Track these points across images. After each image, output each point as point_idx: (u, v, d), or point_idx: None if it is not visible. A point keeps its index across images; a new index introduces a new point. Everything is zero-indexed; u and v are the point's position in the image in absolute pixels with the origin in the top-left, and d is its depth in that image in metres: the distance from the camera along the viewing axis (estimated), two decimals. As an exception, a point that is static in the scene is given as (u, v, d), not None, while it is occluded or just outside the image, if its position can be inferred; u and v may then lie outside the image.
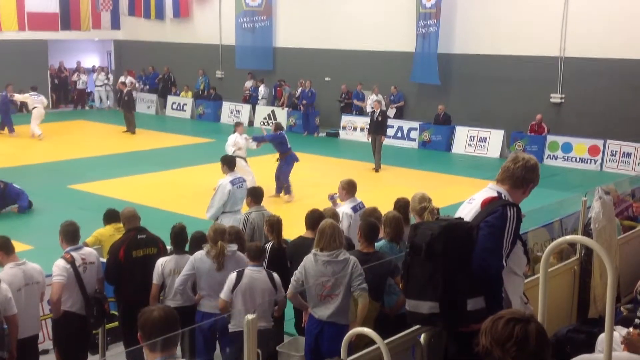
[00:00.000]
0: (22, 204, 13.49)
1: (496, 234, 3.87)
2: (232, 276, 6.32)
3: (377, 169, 17.82)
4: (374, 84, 22.79)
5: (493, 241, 3.86)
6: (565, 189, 15.40)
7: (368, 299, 5.61)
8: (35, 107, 21.92)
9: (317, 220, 6.53)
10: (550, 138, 19.67)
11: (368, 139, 18.49)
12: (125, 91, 23.45)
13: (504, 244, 3.87)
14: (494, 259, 3.84)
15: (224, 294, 6.27)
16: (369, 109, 23.03)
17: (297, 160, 14.68)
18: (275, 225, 7.21)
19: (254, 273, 6.32)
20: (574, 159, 19.24)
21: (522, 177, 4.03)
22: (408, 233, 4.44)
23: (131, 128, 23.07)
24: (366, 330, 3.66)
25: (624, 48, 18.36)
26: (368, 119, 22.71)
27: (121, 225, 7.85)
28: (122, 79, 28.59)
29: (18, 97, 22.65)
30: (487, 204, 4.00)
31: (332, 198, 9.09)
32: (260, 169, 15.15)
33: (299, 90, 23.71)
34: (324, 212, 7.10)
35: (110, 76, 29.60)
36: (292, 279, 6.02)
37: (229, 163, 9.95)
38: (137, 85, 28.36)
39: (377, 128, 17.90)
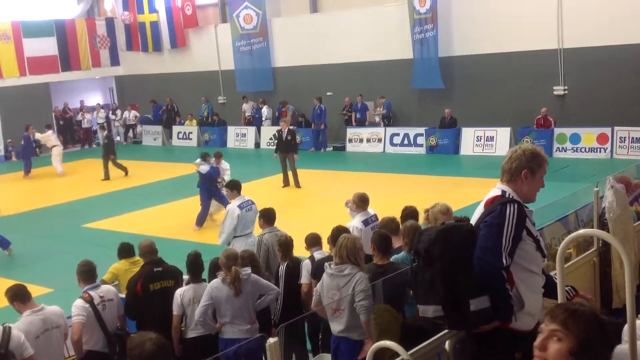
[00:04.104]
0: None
1: (493, 233, 3.86)
2: (307, 262, 7.05)
3: (297, 185, 17.55)
4: (377, 95, 22.90)
5: (490, 240, 3.86)
6: (577, 180, 15.31)
7: (370, 316, 5.55)
8: (55, 146, 22.60)
9: (336, 236, 6.48)
10: (558, 130, 19.59)
11: (275, 157, 18.06)
12: (104, 134, 22.21)
13: (503, 242, 3.84)
14: (491, 257, 3.83)
15: (305, 279, 6.96)
16: (377, 119, 23.13)
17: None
18: (284, 245, 7.23)
19: (321, 255, 7.03)
20: (583, 149, 19.14)
21: (512, 168, 4.01)
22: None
23: (108, 173, 21.05)
24: (388, 343, 3.63)
25: (621, 34, 18.31)
26: (374, 129, 22.89)
27: (137, 258, 7.85)
28: (125, 114, 29.02)
29: (40, 137, 23.01)
30: (490, 204, 4.01)
31: (348, 204, 8.98)
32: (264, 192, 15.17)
33: (317, 106, 23.59)
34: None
35: (119, 112, 29.77)
36: (314, 290, 6.16)
37: (235, 187, 9.95)
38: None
39: (288, 147, 17.68)
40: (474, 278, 3.85)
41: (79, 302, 6.56)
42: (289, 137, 17.83)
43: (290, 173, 17.67)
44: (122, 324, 6.93)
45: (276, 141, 18.45)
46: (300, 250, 7.62)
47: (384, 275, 5.75)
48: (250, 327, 6.58)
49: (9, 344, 5.56)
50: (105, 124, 26.37)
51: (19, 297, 6.15)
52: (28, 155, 23.06)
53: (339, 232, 6.74)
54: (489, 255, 3.84)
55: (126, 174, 21.33)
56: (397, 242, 6.54)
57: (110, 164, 21.03)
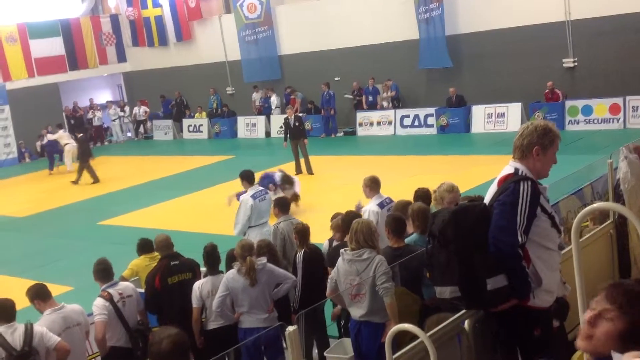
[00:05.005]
0: None
1: (507, 211, 3.85)
2: (326, 243, 7.29)
3: (310, 172, 17.52)
4: (384, 78, 22.79)
5: (505, 219, 3.85)
6: (591, 152, 15.19)
7: (394, 297, 5.55)
8: (67, 144, 22.86)
9: (349, 223, 6.43)
10: (569, 103, 19.42)
11: (285, 146, 18.07)
12: (79, 137, 21.81)
13: (518, 220, 3.83)
14: (506, 236, 3.83)
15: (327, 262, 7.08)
16: (385, 104, 23.02)
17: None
18: (301, 233, 7.23)
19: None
20: (595, 121, 18.96)
21: (523, 145, 3.98)
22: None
23: (89, 178, 20.49)
24: (406, 326, 3.64)
25: (629, 2, 18.06)
26: (384, 112, 22.79)
27: (156, 254, 7.88)
28: (135, 110, 29.11)
29: (51, 137, 23.46)
30: (503, 182, 3.99)
31: (358, 208, 8.79)
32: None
33: (325, 92, 23.50)
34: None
35: (127, 108, 29.84)
36: (329, 278, 6.11)
37: (247, 178, 9.95)
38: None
39: (297, 133, 17.67)
40: (489, 257, 3.84)
41: (99, 302, 6.62)
42: (297, 123, 17.86)
43: (302, 160, 17.68)
44: (144, 318, 6.99)
45: (284, 129, 18.39)
46: (316, 237, 7.61)
47: (400, 258, 5.74)
48: (269, 316, 6.61)
49: (32, 341, 5.65)
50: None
51: (40, 296, 6.23)
52: (52, 152, 23.52)
53: (349, 217, 6.74)
54: (504, 234, 3.83)
55: (76, 182, 20.47)
56: (410, 229, 6.50)
57: (87, 168, 20.58)
